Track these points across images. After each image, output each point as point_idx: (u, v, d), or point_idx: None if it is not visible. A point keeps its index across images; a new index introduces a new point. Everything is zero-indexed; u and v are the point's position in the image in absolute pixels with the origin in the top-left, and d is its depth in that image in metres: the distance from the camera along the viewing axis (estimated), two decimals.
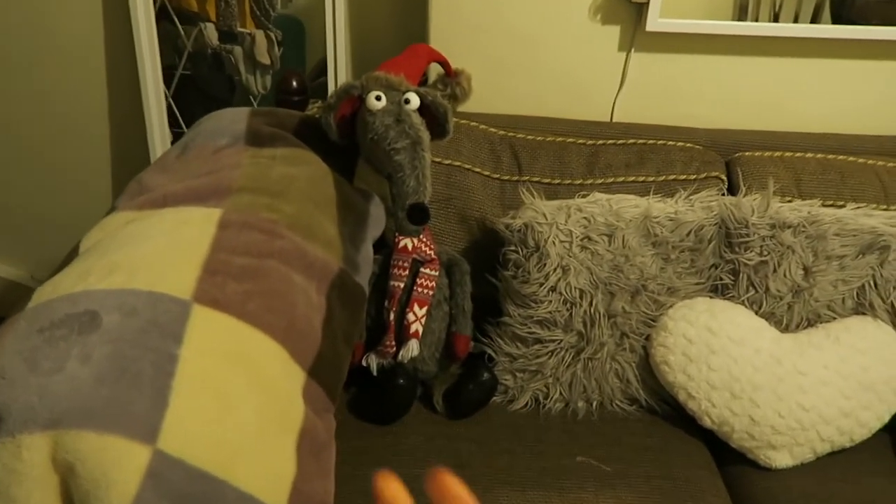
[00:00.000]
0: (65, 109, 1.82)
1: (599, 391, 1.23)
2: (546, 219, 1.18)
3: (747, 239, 1.18)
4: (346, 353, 1.05)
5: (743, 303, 1.20)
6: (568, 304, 1.19)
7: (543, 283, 1.18)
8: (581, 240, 1.19)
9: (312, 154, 1.16)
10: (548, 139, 1.37)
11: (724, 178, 1.31)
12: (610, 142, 1.37)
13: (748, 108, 1.47)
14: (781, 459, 1.14)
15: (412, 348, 1.15)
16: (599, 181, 1.31)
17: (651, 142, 1.37)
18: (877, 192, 1.27)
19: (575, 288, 1.18)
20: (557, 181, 1.32)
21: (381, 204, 1.21)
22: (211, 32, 1.62)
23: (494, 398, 1.22)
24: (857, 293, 1.19)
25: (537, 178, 1.32)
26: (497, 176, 1.33)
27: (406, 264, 1.18)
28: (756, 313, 1.20)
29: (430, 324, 1.19)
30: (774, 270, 1.18)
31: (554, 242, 1.18)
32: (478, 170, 1.33)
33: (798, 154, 1.33)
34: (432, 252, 1.20)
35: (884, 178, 1.29)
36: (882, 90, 1.45)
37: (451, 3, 1.42)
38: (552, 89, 1.48)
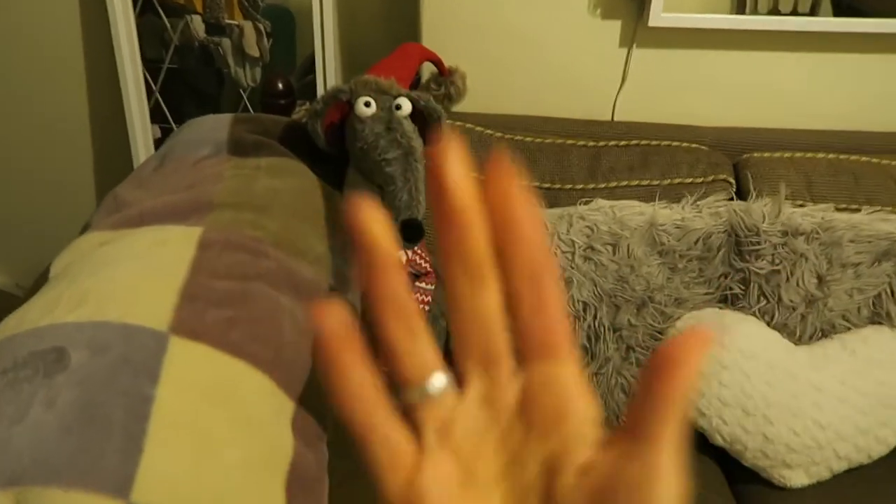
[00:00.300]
0: (43, 110, 1.74)
1: (605, 407, 1.18)
2: (546, 228, 1.12)
3: (758, 247, 1.13)
4: None
5: (754, 313, 1.15)
6: (571, 318, 1.13)
7: None
8: (584, 250, 1.13)
9: (299, 163, 1.09)
10: (547, 141, 1.31)
11: (731, 180, 1.25)
12: (612, 143, 1.31)
13: (755, 106, 1.41)
14: (797, 478, 1.09)
15: None
16: (602, 185, 1.25)
17: (655, 143, 1.31)
18: (892, 195, 1.22)
19: (578, 301, 1.13)
20: (558, 186, 1.26)
21: None
22: (198, 25, 1.56)
23: None
24: (874, 302, 1.14)
25: (537, 183, 1.26)
26: None
27: None
28: (768, 324, 1.15)
29: None
30: (787, 279, 1.13)
31: (555, 254, 1.12)
32: (474, 175, 1.27)
33: (809, 154, 1.27)
34: (427, 264, 1.14)
35: None
36: (895, 85, 1.39)
37: None
38: (550, 87, 1.41)
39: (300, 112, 1.32)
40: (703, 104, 1.41)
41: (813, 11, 1.29)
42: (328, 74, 1.58)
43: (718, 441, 1.12)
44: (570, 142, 1.31)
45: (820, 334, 1.15)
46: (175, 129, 1.69)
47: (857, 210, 1.20)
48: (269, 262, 0.93)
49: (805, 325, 1.14)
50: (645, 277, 1.13)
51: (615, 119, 1.43)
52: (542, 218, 0.25)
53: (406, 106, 1.02)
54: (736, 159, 1.30)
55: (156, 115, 1.65)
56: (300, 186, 1.05)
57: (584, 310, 1.13)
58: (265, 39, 1.55)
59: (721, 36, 1.34)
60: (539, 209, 0.24)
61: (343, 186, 1.15)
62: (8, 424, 0.65)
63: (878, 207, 1.21)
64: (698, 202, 1.18)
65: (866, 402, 1.06)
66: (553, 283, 0.24)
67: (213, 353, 0.80)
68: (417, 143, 0.97)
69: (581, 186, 1.25)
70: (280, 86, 1.23)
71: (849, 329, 1.14)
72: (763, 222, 1.12)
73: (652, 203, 1.19)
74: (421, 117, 1.06)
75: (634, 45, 1.36)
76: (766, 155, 1.27)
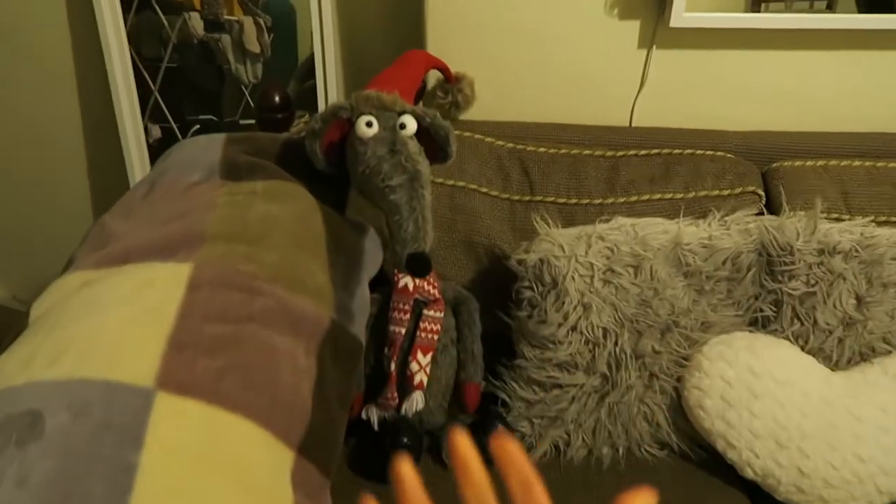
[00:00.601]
0: (33, 118, 1.68)
1: (626, 436, 1.11)
2: (564, 251, 1.05)
3: (792, 266, 1.05)
4: (341, 418, 0.93)
5: (787, 337, 1.07)
6: (590, 345, 1.06)
7: (563, 324, 1.05)
8: (604, 273, 1.05)
9: (297, 185, 1.02)
10: (561, 152, 1.23)
11: (761, 192, 1.17)
12: (631, 152, 1.23)
13: (784, 108, 1.32)
14: None
15: (416, 401, 1.03)
16: (621, 200, 1.17)
17: (677, 151, 1.22)
18: None
19: (598, 327, 1.05)
20: (574, 201, 1.18)
21: (377, 238, 1.08)
22: (196, 22, 1.52)
23: None
24: None
25: (551, 198, 1.18)
26: (506, 196, 1.20)
27: (407, 306, 1.05)
28: (802, 349, 1.07)
29: (435, 371, 1.06)
30: (823, 301, 1.05)
31: (573, 277, 1.04)
32: (485, 190, 1.19)
33: (844, 162, 1.18)
34: (436, 291, 1.07)
35: None
36: None
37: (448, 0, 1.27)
38: (564, 93, 1.33)
39: (299, 125, 1.25)
40: (727, 108, 1.32)
41: (830, 7, 1.20)
42: (329, 79, 1.51)
43: (749, 474, 1.05)
44: (585, 152, 1.23)
45: (859, 359, 1.07)
46: (175, 129, 1.64)
47: None
48: (264, 300, 0.86)
49: (843, 350, 1.06)
50: (669, 301, 1.06)
51: (633, 125, 1.34)
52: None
53: (411, 125, 0.95)
54: (765, 168, 1.21)
55: (155, 115, 1.61)
56: (299, 211, 0.98)
57: (605, 336, 1.06)
58: (266, 35, 1.50)
59: (747, 35, 1.25)
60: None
61: (345, 208, 1.08)
62: None
63: None
64: (726, 218, 1.10)
65: None
66: None
67: (203, 408, 0.73)
68: (424, 165, 0.90)
69: (599, 201, 1.18)
70: (277, 98, 1.16)
71: (890, 353, 1.06)
72: (797, 240, 1.04)
73: (676, 220, 1.11)
74: (427, 135, 0.98)
75: (654, 47, 1.27)
76: (798, 163, 1.19)
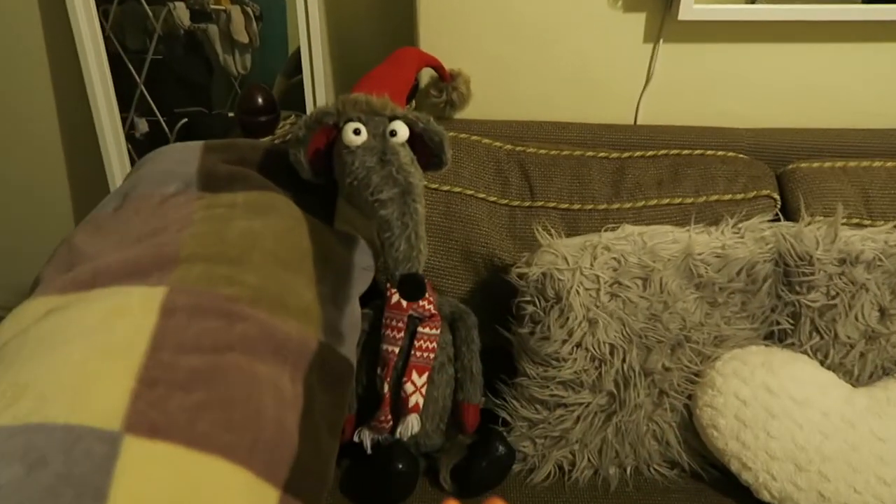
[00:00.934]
0: (9, 115, 1.61)
1: (634, 455, 1.05)
2: (567, 263, 0.98)
3: (811, 277, 0.98)
4: (331, 447, 0.87)
5: (805, 351, 1.01)
6: (596, 363, 1.00)
7: (567, 340, 0.98)
8: (610, 286, 0.99)
9: (281, 196, 0.95)
10: (563, 153, 1.16)
11: (776, 196, 1.10)
12: (637, 154, 1.16)
13: (800, 104, 1.25)
14: None
15: (412, 425, 0.97)
16: (628, 205, 1.10)
17: (686, 152, 1.16)
18: None
19: (604, 343, 0.99)
20: (577, 206, 1.11)
21: (368, 250, 1.01)
22: (181, 12, 1.48)
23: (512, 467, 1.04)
24: None
25: (553, 204, 1.11)
26: (505, 202, 1.13)
27: (401, 324, 0.99)
28: (821, 364, 1.01)
29: (431, 392, 1.00)
30: (844, 313, 0.98)
31: (578, 291, 0.98)
32: (482, 195, 1.12)
33: (864, 163, 1.11)
34: (432, 306, 1.01)
35: None
36: None
37: None
38: (565, 90, 1.26)
39: (285, 127, 1.18)
40: (739, 104, 1.25)
41: None
42: (316, 76, 1.43)
43: (766, 497, 0.99)
44: (589, 153, 1.16)
45: (881, 373, 1.01)
46: (163, 122, 1.58)
47: None
48: (245, 326, 0.80)
49: (864, 364, 1.00)
50: (680, 314, 0.99)
51: (639, 123, 1.27)
52: None
53: (402, 131, 0.88)
54: (780, 170, 1.15)
55: (142, 109, 1.56)
56: (283, 225, 0.91)
57: (612, 353, 0.99)
58: (254, 24, 1.45)
59: (760, 28, 1.18)
60: None
61: (333, 219, 1.01)
62: None
63: None
64: (739, 225, 1.04)
65: None
66: None
67: (176, 451, 0.67)
68: (416, 177, 0.83)
69: (604, 207, 1.11)
70: (260, 100, 1.08)
71: None
72: (817, 249, 0.98)
73: (686, 227, 1.04)
74: (420, 141, 0.91)
75: (661, 41, 1.20)
76: (815, 165, 1.12)
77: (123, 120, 1.58)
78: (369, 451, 1.00)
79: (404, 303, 0.99)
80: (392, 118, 0.90)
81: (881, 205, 1.07)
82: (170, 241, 0.84)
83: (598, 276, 0.98)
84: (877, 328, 0.98)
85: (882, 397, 0.98)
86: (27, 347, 0.71)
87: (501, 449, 0.99)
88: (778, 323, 1.02)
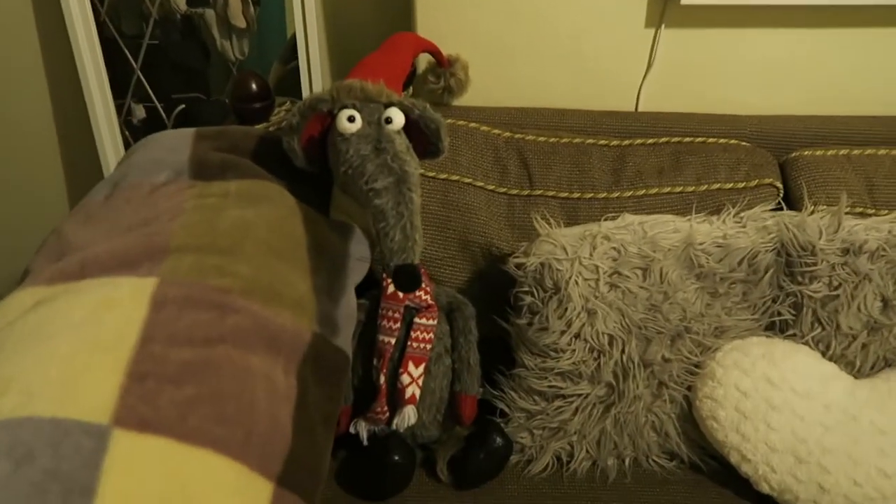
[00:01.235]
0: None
1: (633, 446, 1.04)
2: (566, 253, 0.97)
3: (813, 267, 0.97)
4: (326, 440, 0.86)
5: (807, 342, 1.00)
6: (595, 354, 0.99)
7: (565, 331, 0.97)
8: (610, 276, 0.97)
9: (274, 184, 0.93)
10: (563, 141, 1.14)
11: (778, 184, 1.09)
12: (638, 141, 1.14)
13: (803, 90, 1.23)
14: None
15: (408, 416, 0.96)
16: (628, 194, 1.08)
17: (688, 139, 1.14)
18: None
19: (603, 334, 0.98)
20: (577, 195, 1.09)
21: (364, 239, 0.99)
22: None
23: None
24: None
25: (552, 192, 1.10)
26: (504, 190, 1.11)
27: (397, 314, 0.98)
28: (823, 355, 0.99)
29: (428, 383, 0.99)
30: (847, 304, 0.97)
31: (577, 282, 0.96)
32: (480, 184, 1.10)
33: (869, 151, 1.09)
34: (428, 297, 0.99)
35: None
36: None
37: None
38: (565, 76, 1.24)
39: (279, 114, 1.16)
40: (742, 91, 1.23)
41: None
42: (312, 61, 1.41)
43: (765, 489, 0.98)
44: (589, 141, 1.14)
45: (883, 364, 1.00)
46: (160, 108, 1.56)
47: None
48: (237, 318, 0.78)
49: (866, 355, 0.99)
50: (680, 305, 0.98)
51: (640, 109, 1.25)
52: None
53: (398, 118, 0.86)
54: (783, 158, 1.13)
55: (139, 95, 1.54)
56: (277, 214, 0.90)
57: (611, 344, 0.98)
58: (252, 8, 1.42)
59: (765, 12, 1.15)
60: None
61: (328, 208, 0.99)
62: None
63: None
64: (741, 214, 1.02)
65: None
66: None
67: (167, 445, 0.66)
68: (412, 165, 0.81)
69: (604, 195, 1.09)
70: (254, 86, 1.06)
71: None
72: (820, 239, 0.96)
73: (687, 217, 1.02)
74: (416, 128, 0.90)
75: (663, 25, 1.17)
76: (819, 153, 1.10)
77: (120, 106, 1.56)
78: (365, 443, 0.99)
79: (401, 293, 0.98)
80: (388, 105, 0.88)
81: (886, 194, 1.06)
82: (160, 231, 0.82)
83: (597, 266, 0.97)
84: (879, 319, 0.97)
85: (884, 389, 0.97)
86: (13, 340, 0.70)
87: (499, 440, 0.98)
88: (779, 314, 1.00)
